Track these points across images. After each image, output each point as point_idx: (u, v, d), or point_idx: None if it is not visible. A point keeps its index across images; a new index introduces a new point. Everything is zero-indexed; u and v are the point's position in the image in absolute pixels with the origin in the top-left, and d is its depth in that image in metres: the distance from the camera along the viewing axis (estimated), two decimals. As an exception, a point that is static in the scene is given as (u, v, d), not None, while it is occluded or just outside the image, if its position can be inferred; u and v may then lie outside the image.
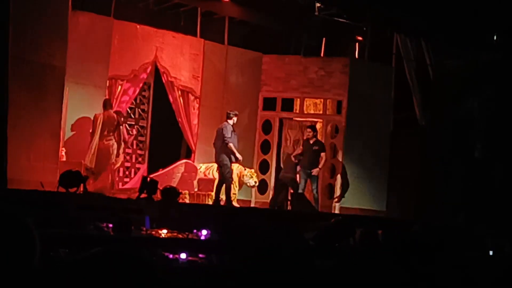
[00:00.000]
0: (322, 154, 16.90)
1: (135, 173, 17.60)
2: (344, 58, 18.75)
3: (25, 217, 2.20)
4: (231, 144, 15.22)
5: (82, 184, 12.44)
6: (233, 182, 16.01)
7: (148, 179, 13.65)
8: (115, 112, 15.87)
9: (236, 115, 15.60)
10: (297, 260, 3.12)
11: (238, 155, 15.28)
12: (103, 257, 2.28)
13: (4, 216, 2.13)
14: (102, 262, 2.26)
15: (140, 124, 18.11)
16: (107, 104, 15.72)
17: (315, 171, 16.75)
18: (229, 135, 15.20)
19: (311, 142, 16.92)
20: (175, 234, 10.11)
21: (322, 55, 19.04)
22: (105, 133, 15.51)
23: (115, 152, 15.78)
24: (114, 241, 7.69)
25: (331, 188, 18.34)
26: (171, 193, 13.14)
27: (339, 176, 18.16)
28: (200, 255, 8.41)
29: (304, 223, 12.30)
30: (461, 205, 16.78)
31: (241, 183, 16.72)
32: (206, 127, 17.70)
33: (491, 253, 9.47)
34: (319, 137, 17.40)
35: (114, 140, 15.68)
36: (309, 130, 17.10)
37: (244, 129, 18.10)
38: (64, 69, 14.19)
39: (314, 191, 16.82)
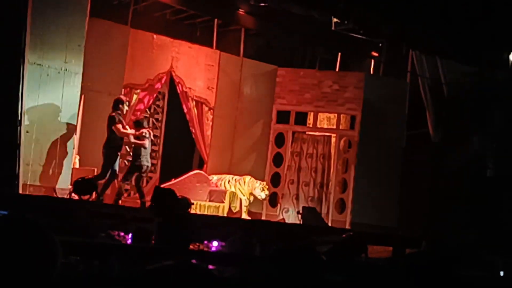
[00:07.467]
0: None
1: (147, 182, 17.61)
2: (359, 73, 18.71)
3: (47, 227, 2.20)
4: None
5: (94, 192, 12.49)
6: (243, 194, 16.12)
7: (160, 188, 13.66)
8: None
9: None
10: (309, 274, 3.12)
11: None
12: (175, 270, 2.29)
13: (27, 225, 2.13)
14: (174, 275, 2.27)
15: (153, 133, 18.15)
16: None
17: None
18: None
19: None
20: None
21: (337, 69, 19.01)
22: None
23: None
24: (127, 249, 7.69)
25: (343, 203, 18.29)
26: (183, 204, 13.15)
27: (351, 191, 18.11)
28: (210, 267, 8.39)
29: (314, 237, 12.31)
30: (472, 224, 16.73)
31: (253, 196, 16.71)
32: (219, 138, 17.74)
33: (501, 273, 9.41)
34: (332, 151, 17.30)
35: None
36: None
37: (257, 141, 18.12)
38: (80, 76, 14.25)
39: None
